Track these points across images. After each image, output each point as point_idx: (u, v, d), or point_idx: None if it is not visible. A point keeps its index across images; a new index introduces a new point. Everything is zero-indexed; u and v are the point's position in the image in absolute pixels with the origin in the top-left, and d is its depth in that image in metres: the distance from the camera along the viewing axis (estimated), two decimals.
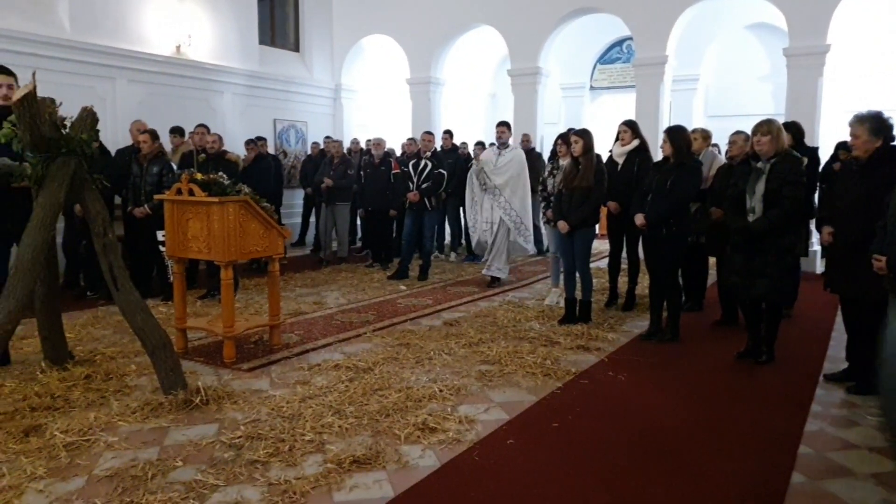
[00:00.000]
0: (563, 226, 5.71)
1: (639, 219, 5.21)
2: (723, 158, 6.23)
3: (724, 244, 5.02)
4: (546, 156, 9.14)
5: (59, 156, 3.80)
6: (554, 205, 6.06)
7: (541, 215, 7.27)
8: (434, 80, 11.74)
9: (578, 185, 5.65)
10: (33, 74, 3.65)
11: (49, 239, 3.82)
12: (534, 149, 10.23)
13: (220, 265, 4.67)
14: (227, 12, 10.62)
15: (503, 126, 7.55)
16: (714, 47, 12.48)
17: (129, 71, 9.25)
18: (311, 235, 10.78)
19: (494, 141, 7.75)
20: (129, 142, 7.58)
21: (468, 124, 13.78)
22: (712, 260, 6.45)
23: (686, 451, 3.32)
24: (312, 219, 10.59)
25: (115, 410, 3.71)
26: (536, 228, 10.06)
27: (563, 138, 6.68)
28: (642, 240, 5.53)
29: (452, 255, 9.89)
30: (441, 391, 4.07)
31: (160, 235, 6.54)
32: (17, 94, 3.64)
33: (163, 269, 6.85)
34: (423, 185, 7.98)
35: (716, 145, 7.75)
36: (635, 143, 6.20)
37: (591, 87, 14.08)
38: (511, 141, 7.77)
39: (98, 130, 4.05)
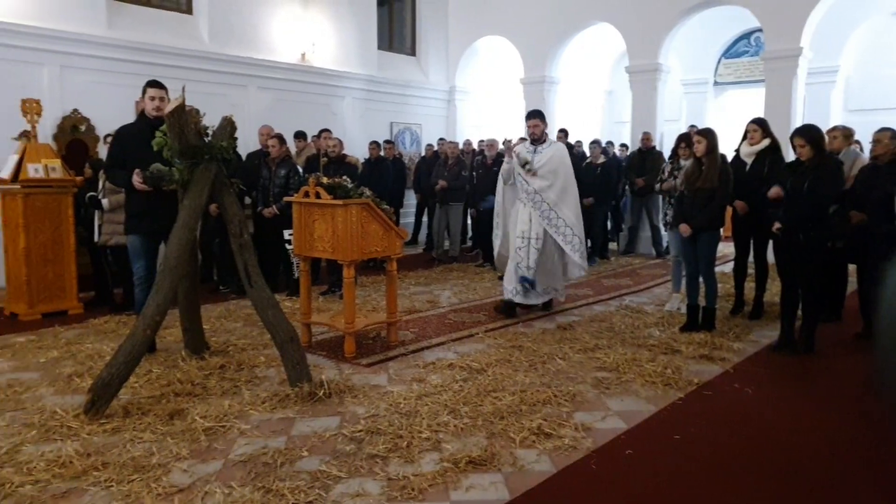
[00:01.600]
0: (685, 228, 5.48)
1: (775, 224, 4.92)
2: (866, 157, 5.74)
3: (865, 251, 4.63)
4: (667, 155, 8.81)
5: (202, 162, 4.12)
6: (675, 206, 5.83)
7: (660, 216, 6.98)
8: (548, 79, 11.62)
9: (701, 187, 5.41)
10: (183, 88, 3.98)
11: (192, 238, 4.14)
12: (654, 147, 9.90)
13: (343, 264, 4.87)
14: (349, 20, 11.05)
15: (536, 118, 6.08)
16: (857, 36, 11.50)
17: (259, 79, 9.84)
18: (423, 234, 11.00)
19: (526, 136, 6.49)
20: (258, 146, 8.07)
21: (583, 123, 13.53)
22: (852, 267, 5.97)
23: (817, 475, 3.09)
24: (424, 218, 10.82)
25: (246, 399, 3.97)
26: (656, 229, 9.77)
27: (685, 138, 6.42)
28: (773, 244, 5.20)
29: None
30: (556, 396, 4.03)
31: (287, 234, 6.92)
32: (168, 107, 3.97)
33: (288, 266, 7.24)
34: None
35: (857, 143, 7.16)
36: (766, 142, 5.84)
37: (716, 83, 13.40)
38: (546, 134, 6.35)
39: (236, 138, 4.34)
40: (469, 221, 10.37)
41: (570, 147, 9.81)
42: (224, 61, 9.37)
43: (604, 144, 10.30)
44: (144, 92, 4.86)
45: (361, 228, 4.83)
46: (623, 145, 11.26)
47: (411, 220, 11.28)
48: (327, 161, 7.19)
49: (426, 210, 10.67)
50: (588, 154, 9.77)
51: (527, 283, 6.02)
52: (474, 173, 9.04)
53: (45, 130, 7.24)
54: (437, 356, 4.92)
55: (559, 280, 6.25)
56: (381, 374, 4.51)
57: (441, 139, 11.07)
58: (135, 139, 4.77)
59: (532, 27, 11.57)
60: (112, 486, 2.89)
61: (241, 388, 4.18)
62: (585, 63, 13.33)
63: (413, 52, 12.64)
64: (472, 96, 13.22)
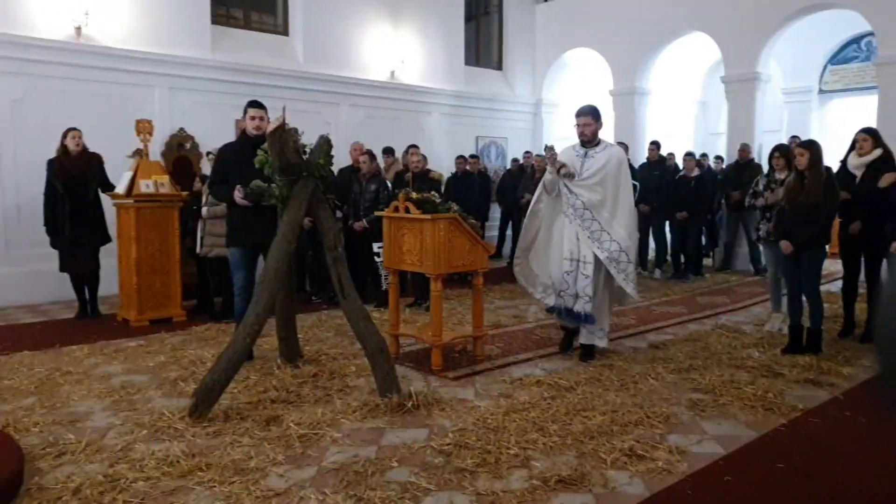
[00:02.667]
0: (786, 245, 5.21)
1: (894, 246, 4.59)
2: None
3: None
4: (766, 167, 8.41)
5: (300, 178, 4.29)
6: (776, 222, 5.54)
7: (752, 231, 6.62)
8: (639, 91, 11.38)
9: (804, 201, 5.12)
10: (283, 109, 4.17)
11: (291, 251, 4.31)
12: (752, 160, 9.48)
13: (431, 277, 4.93)
14: (437, 37, 11.24)
15: (586, 115, 5.03)
16: None
17: (350, 96, 10.16)
18: (507, 247, 10.96)
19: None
20: (349, 161, 8.32)
21: (675, 135, 13.12)
22: None
23: None
24: (509, 232, 10.79)
25: (338, 408, 4.07)
26: (754, 245, 9.31)
27: (780, 150, 6.11)
28: (888, 262, 4.85)
29: (657, 271, 9.46)
30: (648, 417, 3.90)
31: (376, 247, 7.09)
32: (270, 126, 4.17)
33: (377, 278, 7.40)
34: None
35: None
36: (877, 152, 5.47)
37: (821, 91, 12.68)
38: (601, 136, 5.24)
39: (332, 156, 4.50)
40: None
41: (662, 160, 9.55)
42: (318, 80, 9.73)
43: (698, 157, 9.96)
44: (245, 112, 5.11)
45: (449, 242, 4.88)
46: (718, 157, 10.84)
47: (496, 233, 11.28)
48: (411, 176, 7.33)
49: (510, 223, 10.64)
50: (681, 167, 9.47)
51: (578, 319, 5.06)
52: None
53: (155, 148, 7.73)
54: (524, 372, 4.88)
55: (605, 318, 5.16)
56: (468, 388, 4.52)
57: (527, 152, 11.04)
58: (236, 156, 5.02)
59: (622, 38, 11.38)
60: (215, 486, 3.03)
61: (333, 396, 4.29)
62: (677, 73, 12.95)
63: (499, 67, 12.71)
64: (559, 109, 13.11)
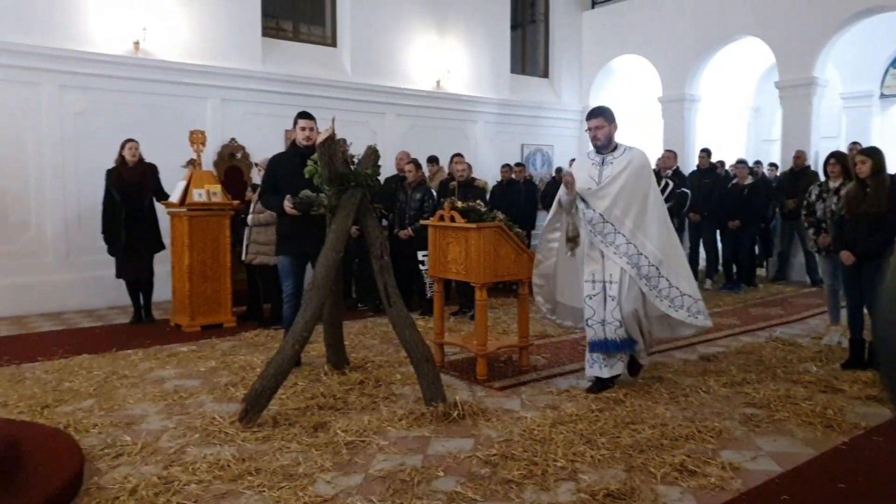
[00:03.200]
0: (847, 256, 5.01)
1: None
2: None
3: None
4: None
5: (348, 188, 4.34)
6: (834, 232, 5.35)
7: (808, 241, 6.39)
8: (689, 97, 11.17)
9: (866, 211, 4.92)
10: (332, 120, 4.24)
11: (339, 260, 4.36)
12: (808, 167, 9.20)
13: (476, 286, 4.92)
14: (482, 45, 11.27)
15: (597, 117, 4.50)
16: None
17: (396, 106, 10.26)
18: None
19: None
20: (394, 171, 8.38)
21: (727, 142, 12.83)
22: None
23: None
24: None
25: (384, 416, 4.08)
26: (810, 255, 9.01)
27: (836, 157, 5.88)
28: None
29: (708, 282, 9.24)
30: (700, 432, 3.80)
31: (421, 255, 7.12)
32: (319, 138, 4.24)
33: (421, 286, 7.42)
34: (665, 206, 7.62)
35: None
36: None
37: (882, 95, 12.22)
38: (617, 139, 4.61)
39: (379, 166, 4.55)
40: None
41: (712, 168, 9.34)
42: (364, 90, 9.86)
43: (751, 164, 9.71)
44: (295, 123, 5.21)
45: (494, 251, 4.86)
46: (772, 165, 10.55)
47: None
48: (456, 185, 7.34)
49: None
50: (733, 174, 9.24)
51: (614, 349, 4.42)
52: None
53: (207, 158, 7.94)
54: (570, 383, 4.82)
55: (638, 335, 4.49)
56: (514, 399, 4.48)
57: (573, 160, 10.93)
58: (286, 166, 5.12)
59: (671, 44, 11.20)
60: (264, 491, 3.07)
61: (380, 404, 4.31)
62: (728, 79, 12.68)
63: (545, 75, 12.66)
64: None
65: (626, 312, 4.37)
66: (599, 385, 4.57)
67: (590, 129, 4.52)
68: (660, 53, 11.44)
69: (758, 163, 10.37)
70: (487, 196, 7.69)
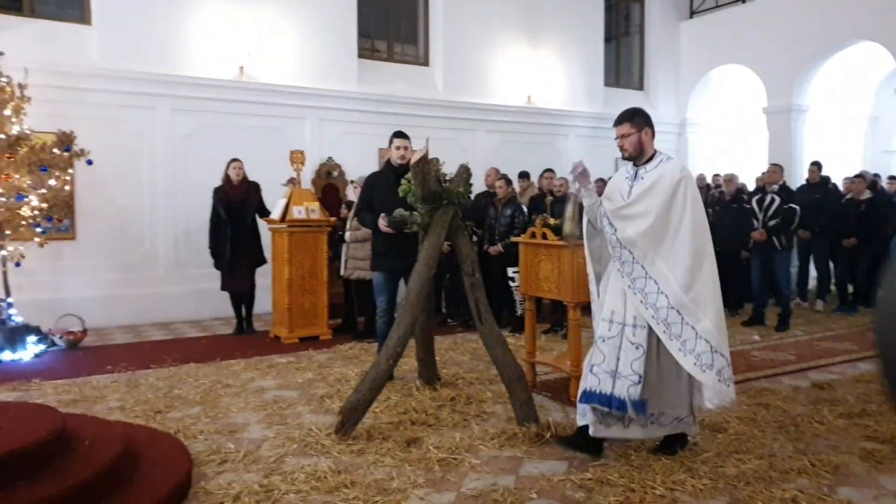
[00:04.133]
0: None
1: None
2: None
3: None
4: None
5: (441, 206, 4.39)
6: None
7: None
8: (796, 107, 10.58)
9: None
10: (427, 140, 4.32)
11: (431, 277, 4.41)
12: None
13: (569, 305, 4.83)
14: (575, 59, 11.15)
15: (622, 124, 3.69)
16: None
17: (487, 122, 10.31)
18: None
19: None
20: (484, 187, 8.39)
21: (840, 155, 12.04)
22: None
23: None
24: None
25: (476, 434, 4.06)
26: None
27: None
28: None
29: (819, 303, 8.68)
30: (813, 466, 3.54)
31: (511, 272, 7.09)
32: (414, 157, 4.32)
33: (511, 303, 7.37)
34: (770, 223, 7.23)
35: None
36: None
37: None
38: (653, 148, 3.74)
39: (471, 184, 4.58)
40: None
41: (824, 182, 8.76)
42: (456, 108, 9.97)
43: (870, 177, 9.06)
44: (391, 142, 5.33)
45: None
46: (893, 178, 9.80)
47: None
48: (553, 200, 7.25)
49: None
50: (847, 189, 8.65)
51: (617, 408, 3.50)
52: (709, 210, 8.47)
53: (306, 176, 8.25)
54: None
55: (684, 400, 3.64)
56: None
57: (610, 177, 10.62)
58: (381, 185, 5.24)
59: (776, 52, 10.66)
60: None
61: (471, 422, 4.30)
62: (841, 87, 11.92)
63: (640, 87, 12.37)
64: (706, 129, 12.50)
65: (656, 374, 3.52)
66: (577, 440, 3.72)
67: (618, 135, 3.78)
68: (764, 62, 10.92)
69: (876, 175, 9.65)
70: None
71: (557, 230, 4.84)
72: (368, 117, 9.28)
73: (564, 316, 6.79)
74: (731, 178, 8.38)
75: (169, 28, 8.06)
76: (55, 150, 6.46)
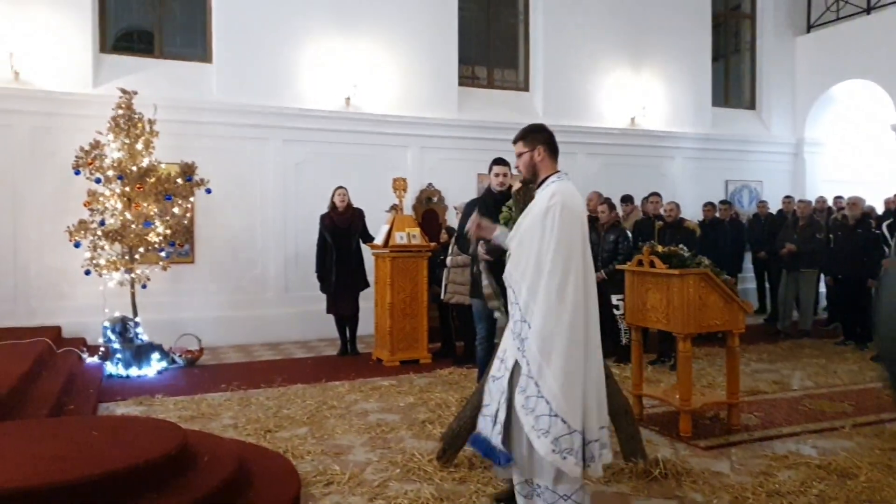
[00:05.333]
0: None
1: None
2: None
3: None
4: None
5: None
6: None
7: None
8: None
9: None
10: None
11: None
12: None
13: (678, 337, 4.62)
14: (681, 79, 10.82)
15: (517, 143, 3.36)
16: None
17: (587, 145, 10.15)
18: (767, 302, 9.95)
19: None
20: (585, 211, 8.21)
21: None
22: None
23: None
24: (767, 284, 9.80)
25: None
26: None
27: None
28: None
29: None
30: None
31: (615, 299, 6.88)
32: (515, 184, 4.30)
33: (615, 331, 7.14)
34: None
35: None
36: None
37: None
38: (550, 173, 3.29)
39: None
40: (824, 290, 9.07)
41: None
42: (556, 131, 9.64)
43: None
44: (490, 169, 5.33)
45: (699, 300, 4.55)
46: None
47: (751, 285, 10.29)
48: (662, 225, 7.02)
49: (766, 275, 9.69)
50: None
51: (488, 453, 3.09)
52: (831, 235, 7.92)
53: (407, 202, 8.43)
54: (788, 448, 4.31)
55: (542, 467, 2.96)
56: (723, 461, 4.10)
57: (787, 197, 10.01)
58: (481, 212, 5.23)
59: None
60: None
61: None
62: None
63: (752, 106, 11.81)
64: (826, 148, 11.73)
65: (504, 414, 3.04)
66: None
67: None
68: (891, 76, 10.14)
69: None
70: (697, 237, 7.20)
71: (666, 258, 4.67)
72: (468, 143, 9.38)
73: (672, 346, 6.53)
74: (855, 202, 7.78)
75: (281, 64, 8.52)
76: (178, 180, 6.96)
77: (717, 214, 8.98)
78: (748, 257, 10.21)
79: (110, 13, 8.21)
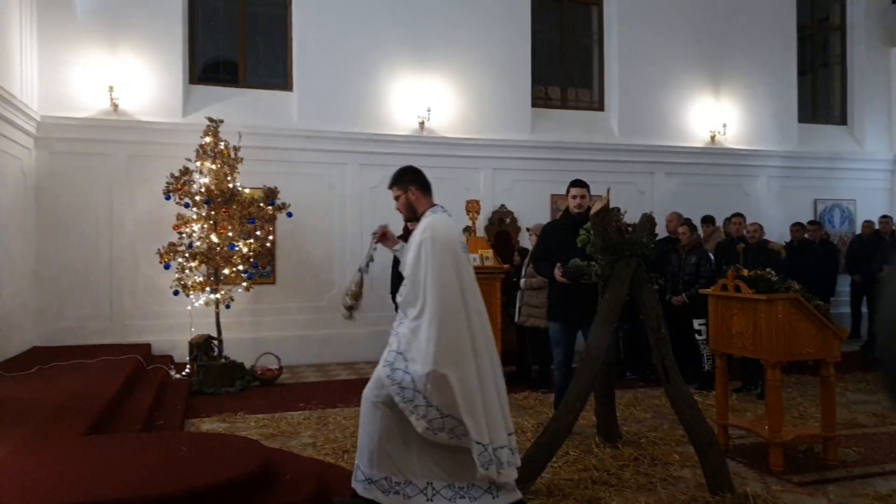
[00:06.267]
0: None
1: None
2: None
3: None
4: None
5: (622, 258, 4.24)
6: None
7: None
8: None
9: None
10: (608, 191, 4.23)
11: (611, 331, 4.25)
12: None
13: (767, 364, 4.40)
14: (764, 95, 10.44)
15: (394, 187, 3.68)
16: None
17: (666, 164, 9.91)
18: (863, 328, 9.36)
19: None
20: (664, 232, 8.01)
21: None
22: None
23: None
24: (864, 309, 9.22)
25: (663, 499, 3.80)
26: None
27: None
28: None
29: None
30: None
31: (696, 324, 6.65)
32: (595, 208, 4.24)
33: (697, 357, 6.88)
34: None
35: None
36: None
37: None
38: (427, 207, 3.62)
39: (656, 234, 4.38)
40: None
41: None
42: (632, 151, 9.71)
43: None
44: (568, 191, 5.28)
45: (789, 326, 4.33)
46: None
47: (846, 310, 9.71)
48: (744, 247, 6.73)
49: (864, 299, 9.13)
50: None
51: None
52: None
53: (479, 224, 8.43)
54: (893, 486, 4.00)
55: (367, 454, 3.31)
56: (819, 498, 3.86)
57: (885, 216, 9.43)
58: (558, 234, 5.19)
59: None
60: None
61: (657, 485, 4.03)
62: None
63: (843, 122, 11.24)
64: None
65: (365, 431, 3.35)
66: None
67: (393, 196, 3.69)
68: None
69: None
70: (782, 259, 6.90)
71: (752, 282, 4.48)
72: (540, 164, 9.34)
73: (758, 373, 6.23)
74: None
75: (357, 91, 8.76)
76: (261, 204, 7.22)
77: (807, 235, 8.55)
78: (842, 280, 9.65)
79: (199, 46, 8.68)
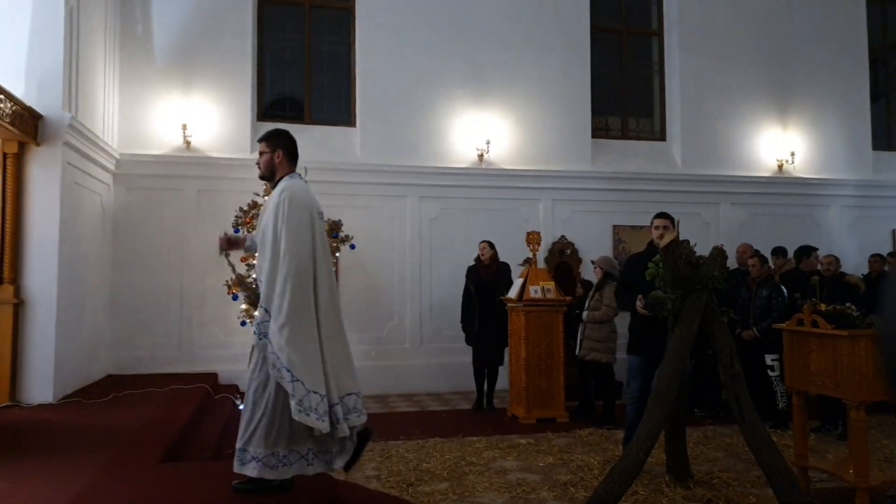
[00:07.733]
0: None
1: None
2: None
3: None
4: None
5: (693, 291, 4.13)
6: None
7: None
8: None
9: None
10: (677, 222, 4.15)
11: (683, 367, 4.13)
12: None
13: (850, 404, 4.18)
14: (835, 122, 10.11)
15: (263, 142, 3.72)
16: None
17: (731, 195, 9.67)
18: None
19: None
20: (733, 264, 7.78)
21: None
22: None
23: None
24: None
25: None
26: None
27: None
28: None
29: None
30: None
31: (769, 359, 6.41)
32: (664, 240, 4.16)
33: (770, 394, 6.60)
34: None
35: None
36: None
37: None
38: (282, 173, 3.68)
39: (727, 268, 4.26)
40: None
41: None
42: (696, 181, 9.52)
43: None
44: (652, 222, 5.18)
45: (874, 365, 4.10)
46: None
47: None
48: (818, 280, 6.47)
49: None
50: None
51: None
52: None
53: (540, 255, 8.38)
54: None
55: (256, 436, 3.33)
56: None
57: None
58: (641, 266, 5.07)
59: None
60: None
61: None
62: None
63: None
64: None
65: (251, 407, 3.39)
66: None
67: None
68: None
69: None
70: (861, 293, 6.59)
71: (831, 317, 4.29)
72: (601, 195, 9.25)
73: (837, 412, 5.93)
74: None
75: (417, 126, 8.91)
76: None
77: (886, 267, 8.16)
78: None
79: (266, 85, 9.03)
